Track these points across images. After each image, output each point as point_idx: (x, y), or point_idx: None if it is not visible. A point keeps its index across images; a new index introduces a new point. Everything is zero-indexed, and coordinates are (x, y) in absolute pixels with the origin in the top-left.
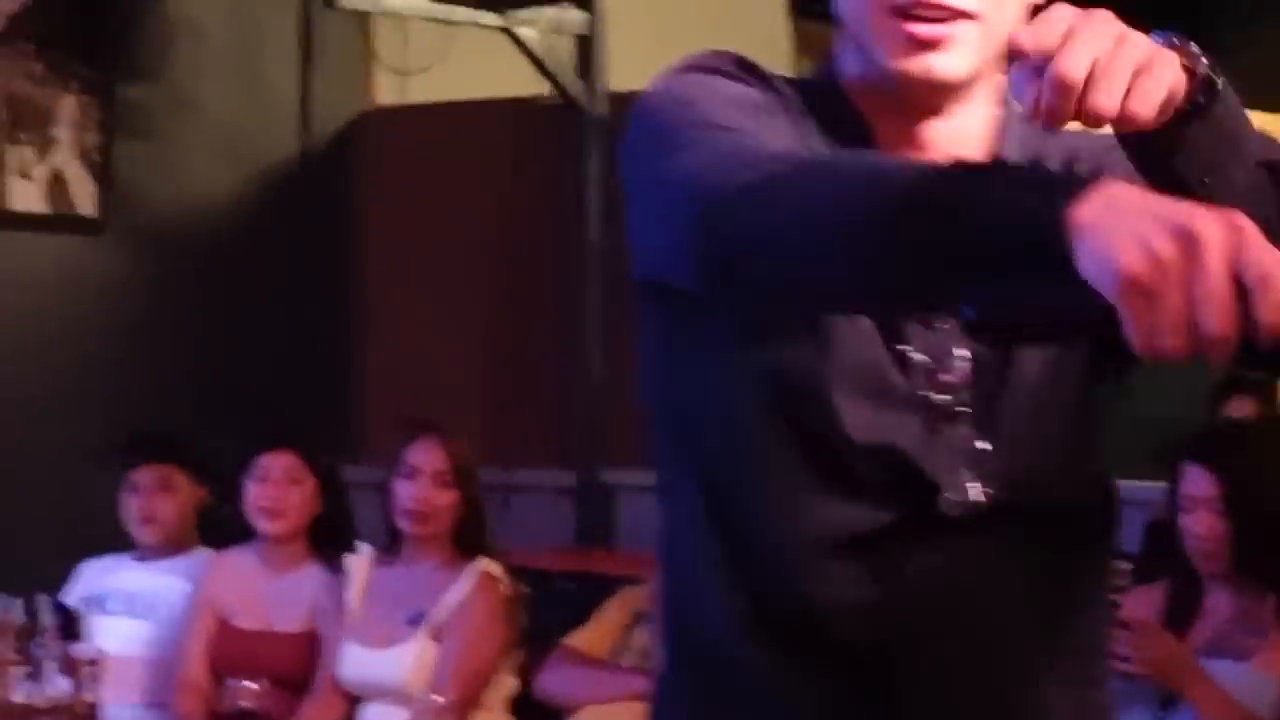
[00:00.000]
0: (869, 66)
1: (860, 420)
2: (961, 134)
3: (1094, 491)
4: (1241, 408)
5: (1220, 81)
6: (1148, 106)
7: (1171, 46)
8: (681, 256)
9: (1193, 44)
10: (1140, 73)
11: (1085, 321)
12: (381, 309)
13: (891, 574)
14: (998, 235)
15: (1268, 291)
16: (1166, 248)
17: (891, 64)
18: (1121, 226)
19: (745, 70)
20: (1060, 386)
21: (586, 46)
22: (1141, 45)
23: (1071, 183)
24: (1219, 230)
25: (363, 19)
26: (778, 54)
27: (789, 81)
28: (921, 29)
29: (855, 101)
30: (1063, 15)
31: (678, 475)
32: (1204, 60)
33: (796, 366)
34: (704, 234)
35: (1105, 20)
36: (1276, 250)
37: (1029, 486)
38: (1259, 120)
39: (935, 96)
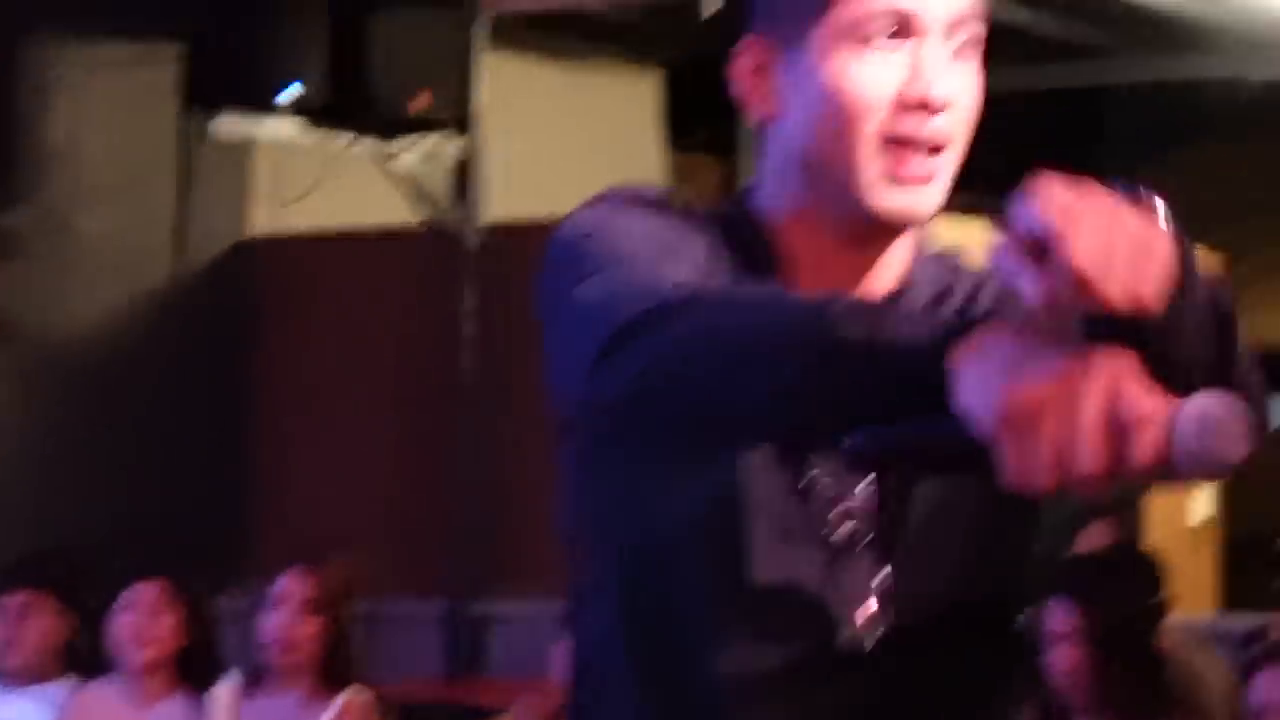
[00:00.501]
0: (815, 199)
1: (766, 556)
2: (883, 268)
3: (1004, 616)
4: (1099, 534)
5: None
6: (1157, 294)
7: (1138, 202)
8: (585, 386)
9: (1158, 201)
10: (1141, 255)
11: (964, 457)
12: (262, 436)
13: (805, 711)
14: (883, 373)
15: (1143, 432)
16: (1045, 385)
17: (870, 199)
18: (1001, 365)
19: (660, 203)
20: (969, 512)
21: (464, 175)
22: (1137, 223)
23: (960, 324)
24: (1098, 369)
25: (242, 147)
26: (654, 180)
27: (704, 214)
28: (915, 169)
29: (775, 235)
30: (1053, 192)
31: (594, 605)
32: (1172, 220)
33: (705, 501)
34: (605, 364)
35: (1099, 196)
36: (1157, 392)
37: (936, 614)
38: None
39: (891, 234)
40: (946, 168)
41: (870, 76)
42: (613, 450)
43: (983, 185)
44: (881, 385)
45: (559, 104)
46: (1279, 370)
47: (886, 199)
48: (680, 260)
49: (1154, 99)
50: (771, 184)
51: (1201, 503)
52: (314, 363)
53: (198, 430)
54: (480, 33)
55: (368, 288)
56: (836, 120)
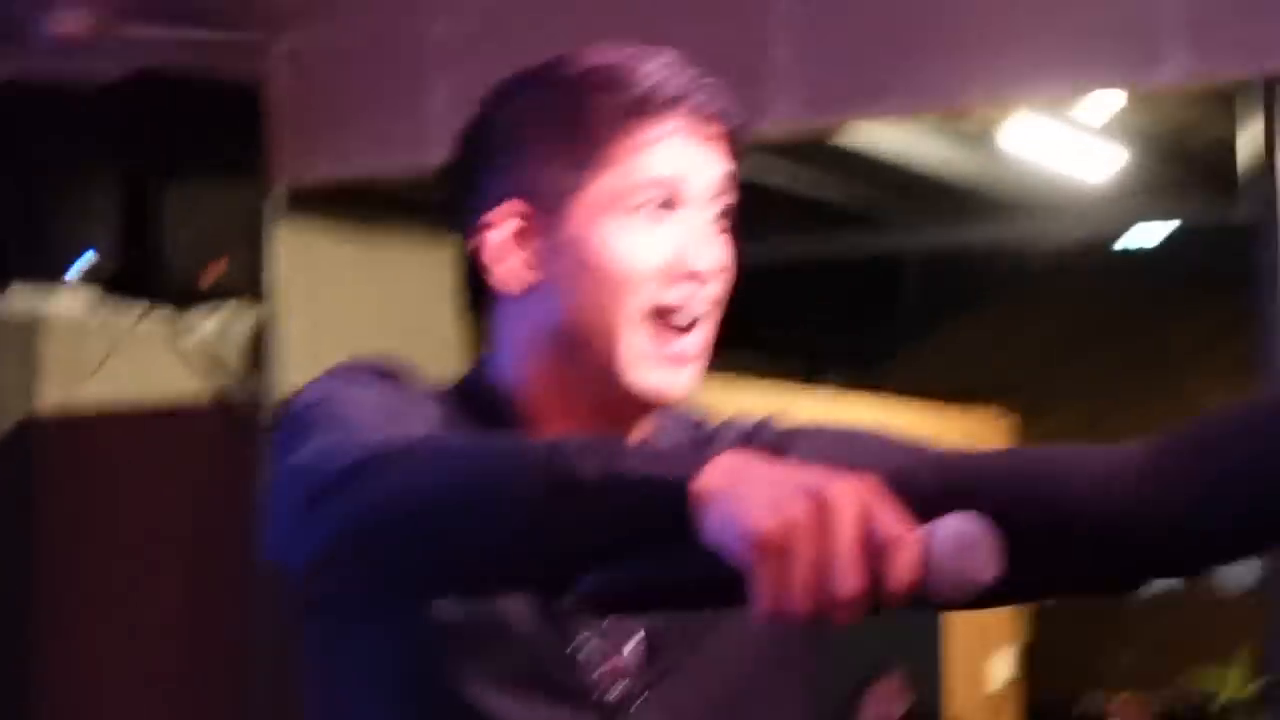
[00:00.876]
0: (569, 372)
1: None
2: (632, 438)
3: None
4: (887, 699)
5: None
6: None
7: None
8: (288, 551)
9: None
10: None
11: (713, 591)
12: (50, 628)
13: None
14: (621, 507)
15: (896, 555)
16: (796, 510)
17: (632, 377)
18: (750, 490)
19: (395, 374)
20: (744, 670)
21: (258, 348)
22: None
23: (697, 454)
24: (850, 493)
25: (31, 321)
26: (451, 352)
27: (437, 390)
28: (678, 347)
29: (520, 405)
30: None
31: None
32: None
33: (446, 669)
34: (303, 525)
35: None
36: (906, 516)
37: None
38: (955, 415)
39: (647, 409)
40: (708, 344)
41: (638, 247)
42: (347, 622)
43: (770, 351)
44: (619, 521)
45: (355, 274)
46: None
47: (648, 377)
48: (408, 422)
49: (944, 265)
50: (515, 354)
51: (1001, 667)
52: (102, 548)
53: None
54: (274, 203)
55: (159, 465)
56: (601, 292)
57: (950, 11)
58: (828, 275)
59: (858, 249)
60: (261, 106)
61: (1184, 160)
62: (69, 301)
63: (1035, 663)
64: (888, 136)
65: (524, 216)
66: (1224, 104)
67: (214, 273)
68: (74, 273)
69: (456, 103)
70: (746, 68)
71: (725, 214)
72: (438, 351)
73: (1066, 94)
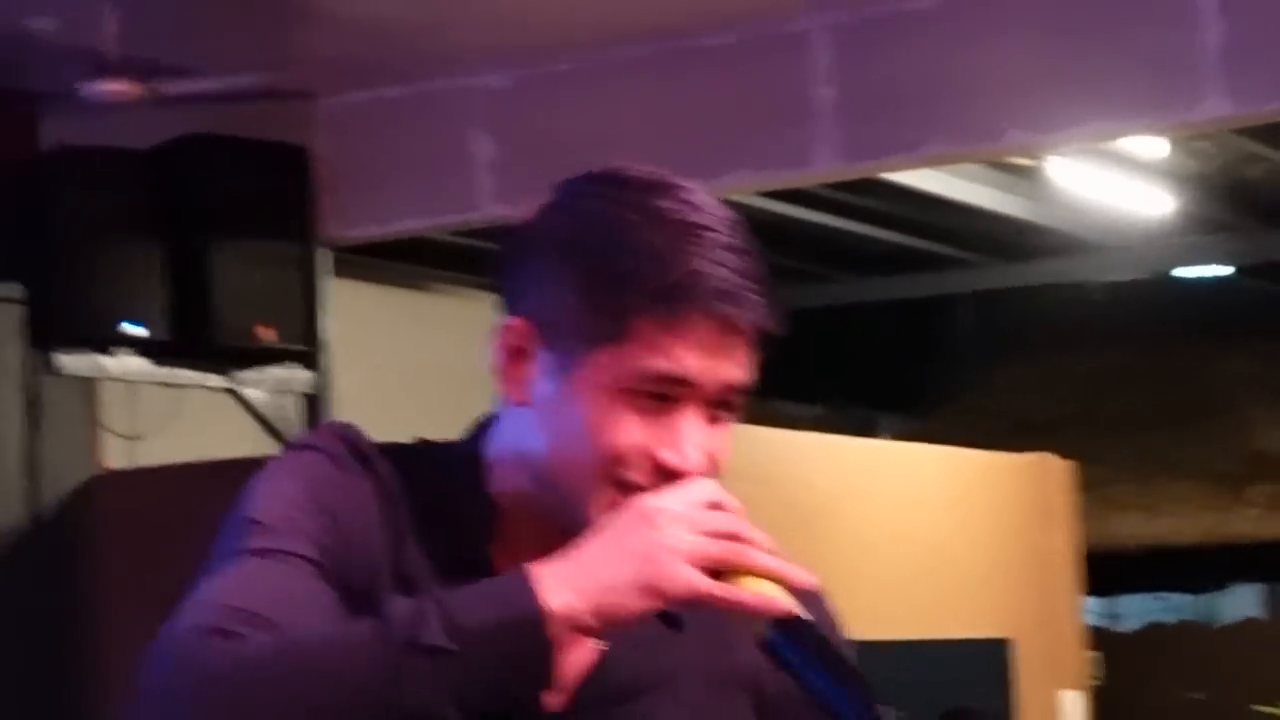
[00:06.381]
0: (540, 494)
1: None
2: None
3: None
4: None
5: None
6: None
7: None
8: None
9: None
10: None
11: None
12: (112, 687)
13: None
14: (484, 661)
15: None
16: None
17: (594, 518)
18: (597, 562)
19: (348, 462)
20: None
21: (313, 406)
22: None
23: (516, 578)
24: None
25: (89, 383)
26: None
27: (430, 455)
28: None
29: (497, 500)
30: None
31: None
32: None
33: None
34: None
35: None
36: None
37: None
38: (983, 458)
39: None
40: None
41: (627, 432)
42: None
43: (822, 398)
44: (488, 671)
45: (405, 330)
46: (1128, 570)
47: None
48: (302, 612)
49: (996, 305)
50: (504, 447)
51: (1072, 707)
52: (164, 606)
53: (41, 670)
54: (323, 261)
55: (220, 521)
56: (576, 455)
57: (990, 55)
58: (879, 318)
59: (907, 293)
60: (308, 167)
61: (1233, 198)
62: (125, 363)
63: (1105, 704)
64: (936, 178)
65: (530, 340)
66: (1271, 141)
67: (266, 334)
68: (127, 337)
69: (500, 158)
70: (789, 113)
71: (732, 411)
72: (488, 402)
73: (1107, 134)
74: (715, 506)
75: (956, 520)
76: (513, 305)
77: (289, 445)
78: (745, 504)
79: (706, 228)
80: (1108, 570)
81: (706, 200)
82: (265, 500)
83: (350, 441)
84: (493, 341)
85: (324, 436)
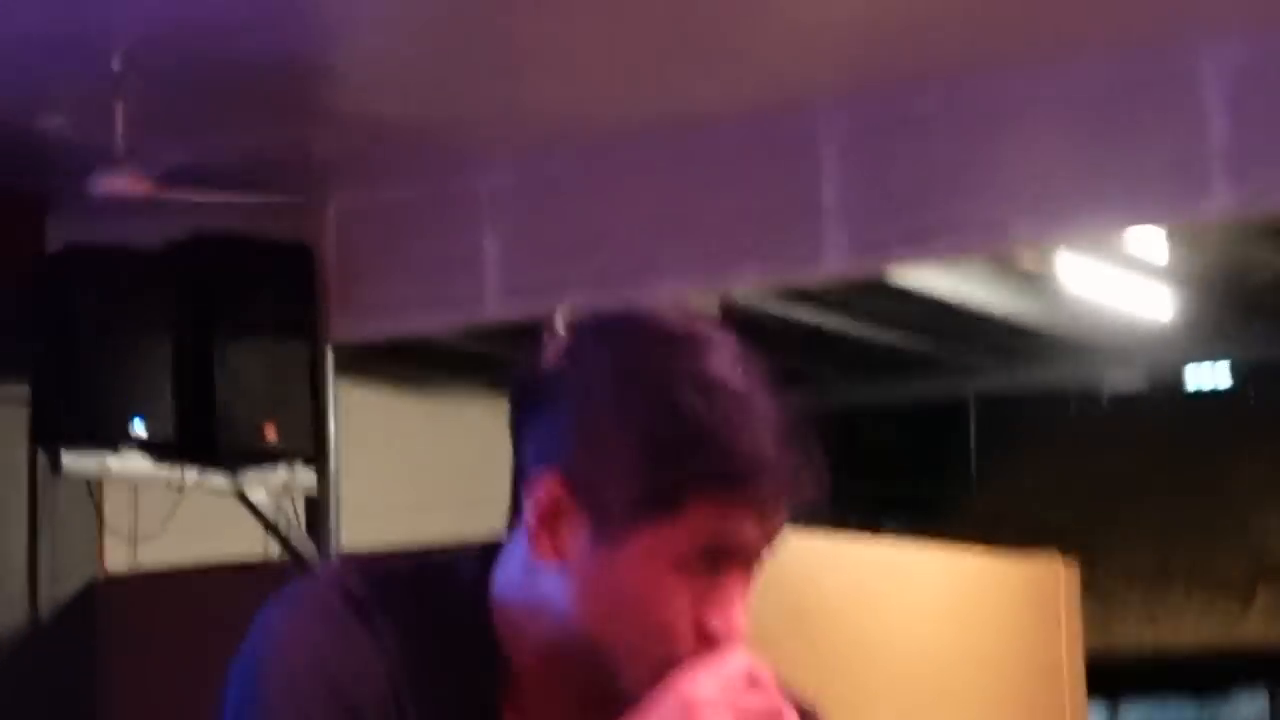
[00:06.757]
0: (562, 655)
1: None
2: None
3: None
4: None
5: None
6: None
7: None
8: None
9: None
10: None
11: None
12: None
13: None
14: None
15: None
16: None
17: (629, 687)
18: None
19: (350, 624)
20: None
21: (316, 507)
22: None
23: None
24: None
25: (92, 484)
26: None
27: (419, 598)
28: None
29: (507, 652)
30: None
31: None
32: None
33: None
34: None
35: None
36: None
37: None
38: (988, 560)
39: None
40: None
41: (677, 605)
42: None
43: (831, 498)
44: None
45: (410, 432)
46: (1139, 673)
47: (643, 689)
48: None
49: (1006, 408)
50: (518, 594)
51: None
52: (168, 707)
53: None
54: (329, 361)
55: (222, 623)
56: (624, 634)
57: (994, 152)
58: (889, 420)
59: (919, 394)
60: (314, 266)
61: (1243, 297)
62: (129, 463)
63: None
64: (946, 280)
65: (565, 498)
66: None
67: (270, 434)
68: (131, 436)
69: (508, 257)
70: (796, 213)
71: (762, 565)
72: (495, 508)
73: (1114, 230)
74: (753, 682)
75: (961, 626)
76: (539, 454)
77: (287, 595)
78: (749, 607)
79: (753, 395)
80: (1112, 676)
81: (742, 354)
82: (279, 699)
83: (348, 592)
84: (527, 497)
85: (322, 589)
